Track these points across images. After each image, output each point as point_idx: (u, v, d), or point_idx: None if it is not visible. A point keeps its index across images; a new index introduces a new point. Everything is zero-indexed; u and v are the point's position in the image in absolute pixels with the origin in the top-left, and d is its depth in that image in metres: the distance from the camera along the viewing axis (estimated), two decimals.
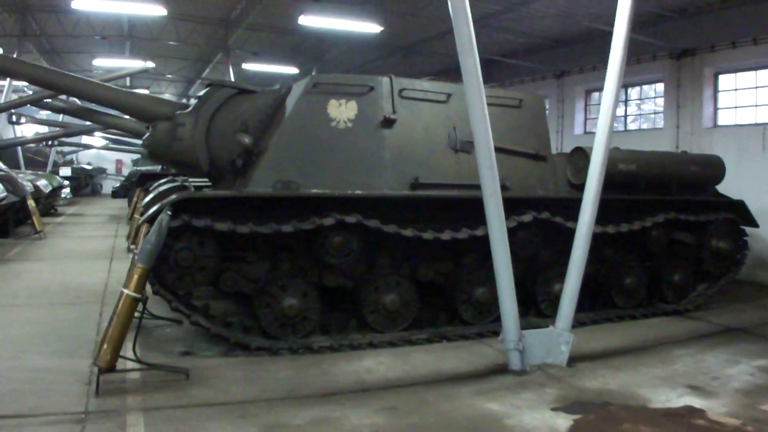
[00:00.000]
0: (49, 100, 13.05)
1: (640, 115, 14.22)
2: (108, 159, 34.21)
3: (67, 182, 23.56)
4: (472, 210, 7.32)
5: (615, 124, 7.54)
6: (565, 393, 5.43)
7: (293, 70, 19.95)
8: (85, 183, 31.50)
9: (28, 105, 14.85)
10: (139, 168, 21.75)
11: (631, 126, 14.81)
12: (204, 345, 6.67)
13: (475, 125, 5.98)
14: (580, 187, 8.16)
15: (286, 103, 7.07)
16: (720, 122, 12.44)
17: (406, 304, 7.15)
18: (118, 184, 22.09)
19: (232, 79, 17.45)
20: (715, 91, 12.47)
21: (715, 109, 12.46)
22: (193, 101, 7.61)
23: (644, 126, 14.32)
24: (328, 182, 6.73)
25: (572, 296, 6.53)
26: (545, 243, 7.80)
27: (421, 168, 7.09)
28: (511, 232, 6.73)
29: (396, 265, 7.32)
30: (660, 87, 13.50)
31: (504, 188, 7.36)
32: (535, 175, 7.84)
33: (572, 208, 7.71)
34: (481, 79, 5.90)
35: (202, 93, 7.47)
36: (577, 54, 15.30)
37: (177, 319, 7.27)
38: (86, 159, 34.01)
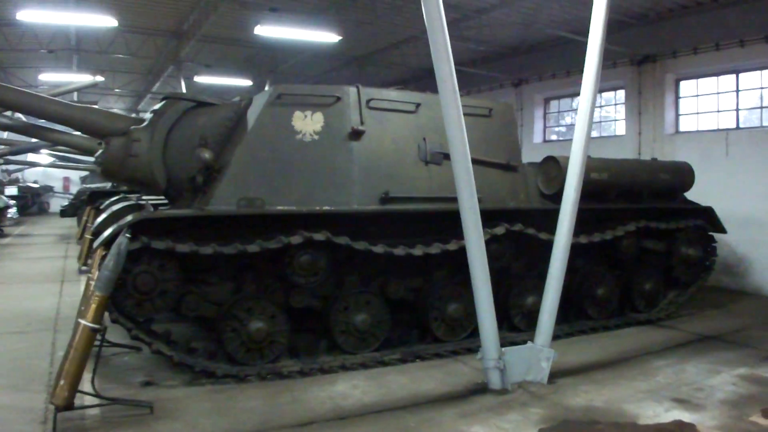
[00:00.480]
0: None
1: (599, 122, 14.33)
2: (55, 177, 32.89)
3: (13, 202, 22.51)
4: (443, 224, 7.17)
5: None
6: (550, 412, 5.25)
7: (247, 82, 19.53)
8: (32, 202, 30.23)
9: None
10: (88, 185, 20.89)
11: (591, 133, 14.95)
12: (166, 373, 6.28)
13: (452, 135, 5.81)
14: (552, 197, 8.11)
15: (248, 116, 6.77)
16: (682, 128, 12.58)
17: (377, 324, 6.90)
18: (66, 203, 21.14)
19: (184, 92, 16.94)
20: (677, 97, 12.60)
21: (677, 115, 12.58)
22: (147, 116, 7.23)
23: (604, 133, 14.43)
24: (294, 198, 6.44)
25: (551, 310, 6.38)
26: (517, 255, 7.68)
27: (391, 181, 6.86)
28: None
29: (365, 283, 7.07)
30: (620, 93, 13.63)
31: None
32: (506, 185, 7.70)
33: (545, 218, 7.65)
34: (456, 87, 5.72)
35: (157, 106, 7.11)
36: (535, 62, 15.34)
37: (136, 345, 6.86)
38: (32, 177, 32.69)
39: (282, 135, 6.56)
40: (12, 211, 22.19)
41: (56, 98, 7.40)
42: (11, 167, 27.88)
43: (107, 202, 9.87)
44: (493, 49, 15.44)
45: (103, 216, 8.73)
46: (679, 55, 12.08)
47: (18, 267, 13.80)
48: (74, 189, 32.63)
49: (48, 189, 32.31)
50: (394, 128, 7.07)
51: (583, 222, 7.98)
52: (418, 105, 7.25)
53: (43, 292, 10.61)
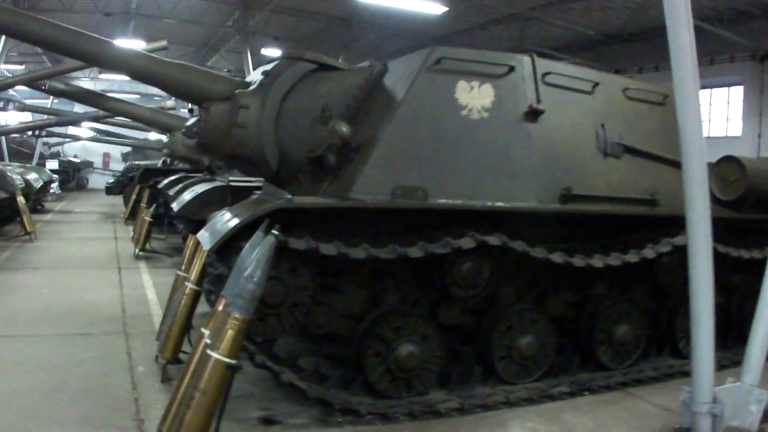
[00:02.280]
0: (48, 81, 10.82)
1: (707, 120, 12.67)
2: (95, 152, 31.40)
3: (56, 176, 21.08)
4: (618, 230, 5.67)
5: None
6: None
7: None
8: (72, 177, 28.79)
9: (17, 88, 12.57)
10: (135, 162, 19.44)
11: None
12: (285, 405, 4.77)
13: (687, 124, 4.25)
14: (729, 204, 6.56)
15: (390, 84, 5.20)
16: None
17: (541, 347, 5.36)
18: (112, 179, 19.53)
19: (250, 67, 15.30)
20: None
21: None
22: (254, 77, 5.67)
23: (713, 134, 12.75)
24: (459, 190, 4.89)
25: (763, 342, 4.82)
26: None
27: (571, 175, 5.29)
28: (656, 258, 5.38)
29: (519, 296, 5.52)
30: (736, 90, 11.95)
31: (652, 203, 5.71)
32: (680, 187, 6.09)
33: (723, 228, 6.11)
34: (696, 64, 4.13)
35: (269, 66, 5.53)
36: (635, 52, 13.42)
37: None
38: (72, 151, 31.18)
39: (443, 110, 4.98)
40: (54, 186, 20.74)
41: (145, 52, 5.80)
42: (52, 140, 26.46)
43: (186, 181, 8.29)
44: (592, 36, 13.21)
45: (188, 197, 7.21)
46: None
47: (66, 248, 12.31)
48: (114, 166, 31.24)
49: (88, 164, 30.83)
50: (571, 110, 5.48)
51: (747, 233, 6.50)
52: (595, 84, 5.65)
53: (100, 282, 9.11)
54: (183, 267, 5.58)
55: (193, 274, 5.03)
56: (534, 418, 4.78)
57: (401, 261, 4.57)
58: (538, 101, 5.21)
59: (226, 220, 4.55)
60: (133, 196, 15.96)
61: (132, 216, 16.01)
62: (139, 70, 5.36)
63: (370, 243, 4.49)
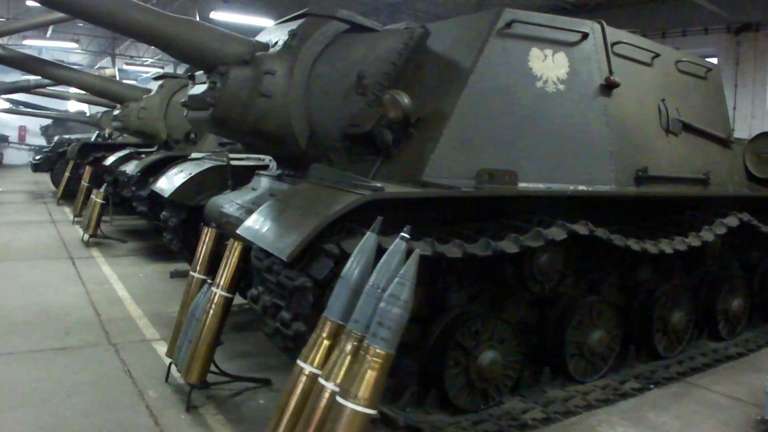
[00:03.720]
0: None
1: None
2: (9, 125, 27.94)
3: None
4: (666, 210, 5.18)
5: None
6: None
7: (270, 23, 16.20)
8: None
9: None
10: (66, 137, 17.25)
11: None
12: None
13: None
14: (763, 182, 6.24)
15: (439, 50, 4.37)
16: None
17: (609, 341, 4.80)
18: (39, 155, 17.17)
19: None
20: None
21: None
22: (271, 39, 4.65)
23: None
24: (540, 172, 4.17)
25: None
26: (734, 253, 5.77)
27: (643, 154, 4.70)
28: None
29: (578, 287, 4.91)
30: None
31: (705, 182, 5.26)
32: (726, 165, 5.69)
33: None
34: None
35: (294, 25, 4.54)
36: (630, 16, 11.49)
37: (264, 379, 4.50)
38: None
39: (518, 80, 4.21)
40: None
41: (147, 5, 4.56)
42: None
43: (186, 159, 6.85)
44: None
45: (179, 179, 6.04)
46: None
47: (3, 234, 10.59)
48: (31, 140, 28.10)
49: (2, 138, 27.42)
50: (637, 84, 4.87)
51: None
52: (655, 56, 5.06)
53: (55, 276, 7.75)
54: (198, 267, 4.53)
55: (223, 278, 4.04)
56: (620, 422, 4.22)
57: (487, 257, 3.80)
58: (610, 72, 4.55)
59: (286, 214, 3.55)
60: (67, 174, 14.16)
61: (65, 196, 14.22)
62: (137, 25, 4.19)
63: (465, 241, 3.68)
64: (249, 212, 4.40)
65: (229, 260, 4.02)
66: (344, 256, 3.10)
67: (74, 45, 22.94)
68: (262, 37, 4.80)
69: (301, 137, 4.50)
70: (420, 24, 4.80)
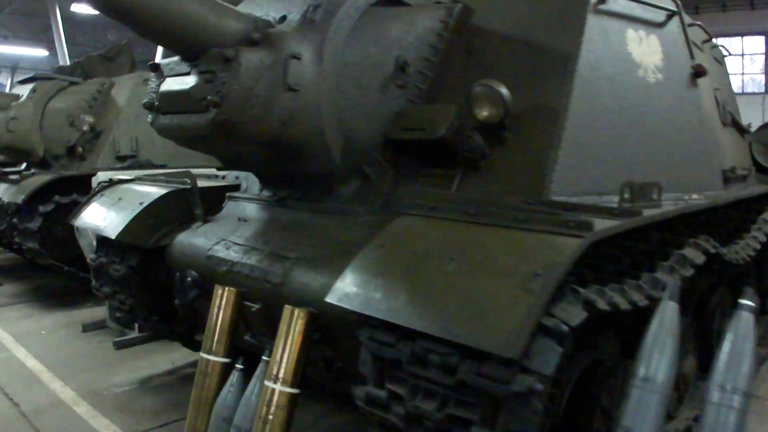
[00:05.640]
0: None
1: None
2: None
3: None
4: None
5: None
6: None
7: None
8: None
9: None
10: None
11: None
12: None
13: None
14: None
15: (502, 31, 3.40)
16: None
17: None
18: None
19: (60, 27, 11.12)
20: None
21: None
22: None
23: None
24: (653, 180, 3.34)
25: None
26: None
27: (723, 151, 4.10)
28: None
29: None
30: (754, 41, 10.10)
31: (746, 178, 4.87)
32: (744, 154, 5.33)
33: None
34: None
35: None
36: None
37: None
38: None
39: (620, 69, 3.33)
40: None
41: None
42: None
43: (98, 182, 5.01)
44: None
45: (128, 213, 4.31)
46: None
47: None
48: None
49: None
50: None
51: None
52: (706, 40, 4.52)
53: None
54: (213, 345, 3.09)
55: (283, 366, 2.69)
56: None
57: None
58: (692, 57, 3.87)
59: (440, 274, 2.15)
60: None
61: None
62: None
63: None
64: (277, 258, 3.11)
65: (290, 339, 2.68)
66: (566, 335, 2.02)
67: None
68: (247, 9, 3.40)
69: (334, 146, 3.25)
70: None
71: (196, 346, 4.62)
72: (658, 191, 2.97)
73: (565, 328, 2.04)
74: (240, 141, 3.18)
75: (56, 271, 7.01)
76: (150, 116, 3.35)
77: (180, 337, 4.48)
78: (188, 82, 3.02)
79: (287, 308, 2.74)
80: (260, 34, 2.93)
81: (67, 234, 6.63)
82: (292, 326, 2.67)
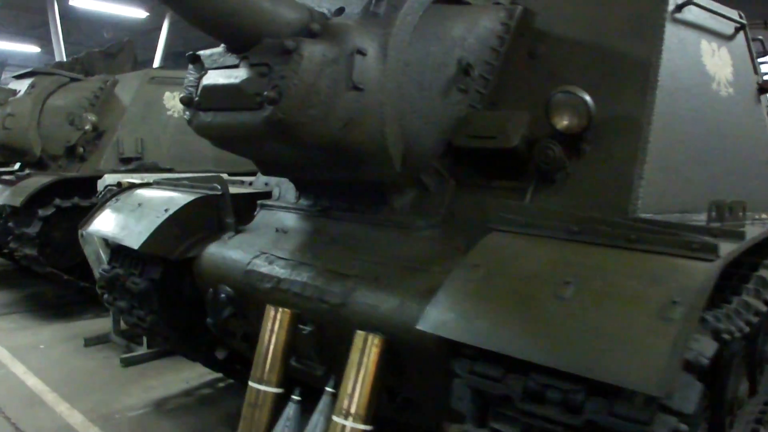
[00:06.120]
0: None
1: None
2: None
3: None
4: None
5: None
6: None
7: (140, 13, 13.27)
8: None
9: None
10: None
11: None
12: None
13: None
14: None
15: (562, 34, 3.17)
16: None
17: None
18: None
19: (57, 23, 10.68)
20: None
21: None
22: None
23: None
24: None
25: None
26: None
27: None
28: None
29: None
30: None
31: None
32: None
33: None
34: None
35: None
36: None
37: None
38: None
39: (696, 81, 3.13)
40: None
41: None
42: None
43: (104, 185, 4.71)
44: None
45: (150, 222, 3.97)
46: None
47: None
48: None
49: None
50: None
51: None
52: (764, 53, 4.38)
53: None
54: (265, 374, 2.78)
55: (355, 400, 2.40)
56: None
57: None
58: (756, 72, 3.71)
59: (555, 300, 1.83)
60: None
61: None
62: None
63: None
64: (334, 275, 2.84)
65: (363, 369, 2.39)
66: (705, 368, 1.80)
67: None
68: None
69: (395, 152, 2.95)
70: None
71: (218, 366, 4.31)
72: (743, 211, 2.76)
73: (705, 360, 1.82)
74: (294, 143, 2.86)
75: (53, 280, 6.60)
76: (187, 113, 3.01)
77: (202, 357, 4.15)
78: (238, 75, 2.70)
79: (359, 334, 2.45)
80: (320, 26, 2.65)
81: (67, 240, 6.26)
82: (365, 354, 2.38)
